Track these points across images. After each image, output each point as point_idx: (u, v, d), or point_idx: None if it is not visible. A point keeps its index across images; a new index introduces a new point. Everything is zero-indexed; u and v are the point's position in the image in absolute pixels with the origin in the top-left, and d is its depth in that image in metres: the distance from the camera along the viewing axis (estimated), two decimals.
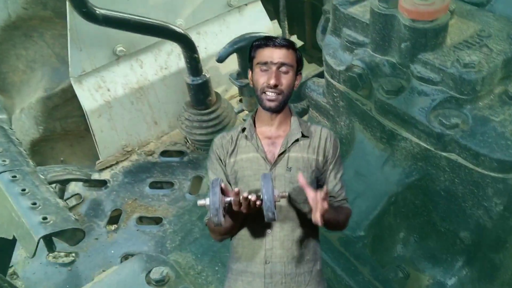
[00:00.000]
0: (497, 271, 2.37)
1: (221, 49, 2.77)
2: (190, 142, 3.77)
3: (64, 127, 3.93)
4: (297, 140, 2.13)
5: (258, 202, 1.89)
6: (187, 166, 3.66)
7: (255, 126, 2.21)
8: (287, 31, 4.45)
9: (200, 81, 3.41)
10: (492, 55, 2.14)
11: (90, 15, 2.85)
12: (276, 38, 2.16)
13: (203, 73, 3.43)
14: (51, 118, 3.83)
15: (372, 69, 2.40)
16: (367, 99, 2.46)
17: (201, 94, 3.47)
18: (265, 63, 2.10)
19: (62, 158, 4.06)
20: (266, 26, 4.10)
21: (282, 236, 2.09)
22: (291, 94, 2.16)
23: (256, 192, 1.93)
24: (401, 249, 2.60)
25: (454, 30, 2.29)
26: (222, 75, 3.88)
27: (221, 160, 2.22)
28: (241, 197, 1.89)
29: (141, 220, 3.33)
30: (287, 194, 1.96)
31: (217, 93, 3.66)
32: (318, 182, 2.15)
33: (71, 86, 3.50)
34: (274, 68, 2.09)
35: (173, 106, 3.87)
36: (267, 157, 2.12)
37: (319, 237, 2.22)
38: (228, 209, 1.95)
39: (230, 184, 2.18)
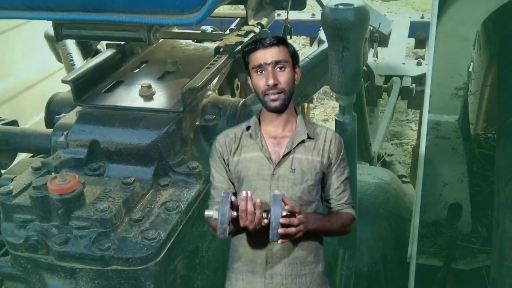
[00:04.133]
0: None
1: None
2: None
3: None
4: (302, 142, 2.13)
5: (265, 221, 1.90)
6: None
7: (260, 125, 2.17)
8: None
9: None
10: (115, 201, 3.52)
11: None
12: (264, 38, 2.16)
13: None
14: None
15: (44, 234, 3.43)
16: (47, 255, 3.45)
17: None
18: (260, 66, 2.09)
19: None
20: None
21: None
22: (293, 90, 2.13)
23: (264, 203, 1.92)
24: None
25: (88, 193, 3.59)
26: None
27: (223, 159, 2.18)
28: (248, 211, 1.87)
29: None
30: None
31: None
32: (322, 185, 2.17)
33: None
34: (269, 68, 2.07)
35: None
36: (271, 157, 2.10)
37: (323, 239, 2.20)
38: (234, 221, 1.92)
39: (233, 183, 2.16)
